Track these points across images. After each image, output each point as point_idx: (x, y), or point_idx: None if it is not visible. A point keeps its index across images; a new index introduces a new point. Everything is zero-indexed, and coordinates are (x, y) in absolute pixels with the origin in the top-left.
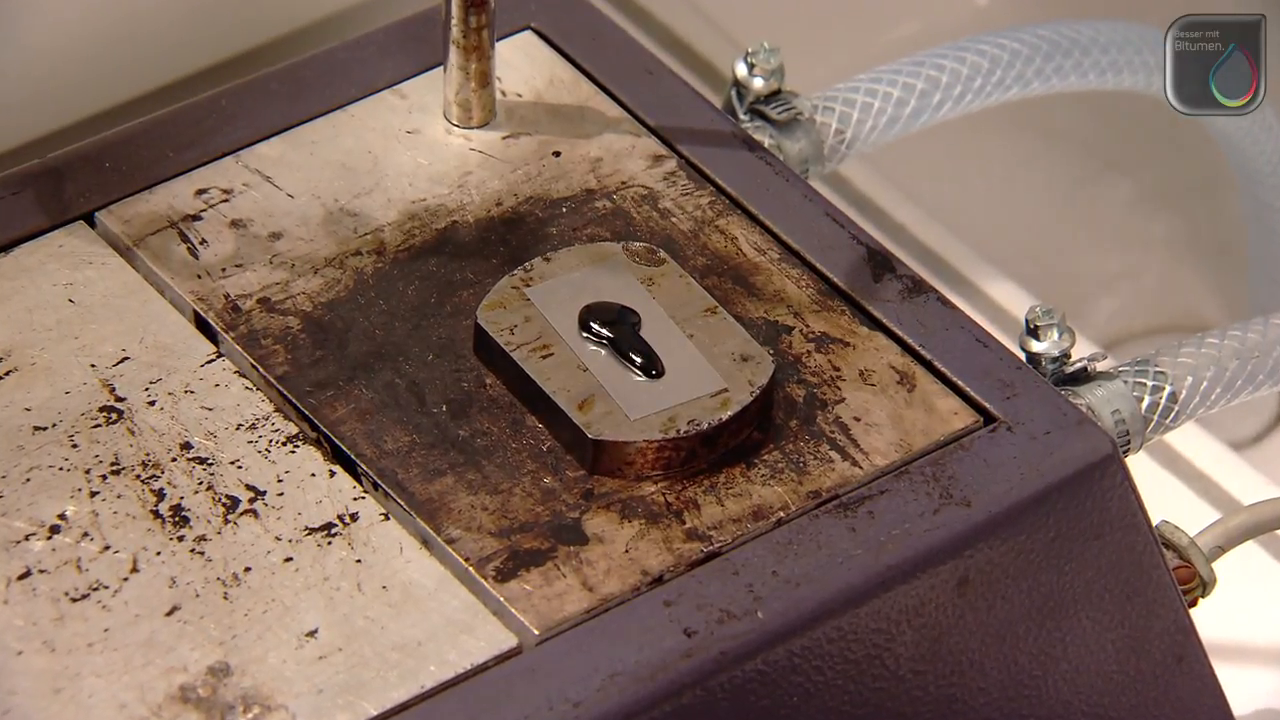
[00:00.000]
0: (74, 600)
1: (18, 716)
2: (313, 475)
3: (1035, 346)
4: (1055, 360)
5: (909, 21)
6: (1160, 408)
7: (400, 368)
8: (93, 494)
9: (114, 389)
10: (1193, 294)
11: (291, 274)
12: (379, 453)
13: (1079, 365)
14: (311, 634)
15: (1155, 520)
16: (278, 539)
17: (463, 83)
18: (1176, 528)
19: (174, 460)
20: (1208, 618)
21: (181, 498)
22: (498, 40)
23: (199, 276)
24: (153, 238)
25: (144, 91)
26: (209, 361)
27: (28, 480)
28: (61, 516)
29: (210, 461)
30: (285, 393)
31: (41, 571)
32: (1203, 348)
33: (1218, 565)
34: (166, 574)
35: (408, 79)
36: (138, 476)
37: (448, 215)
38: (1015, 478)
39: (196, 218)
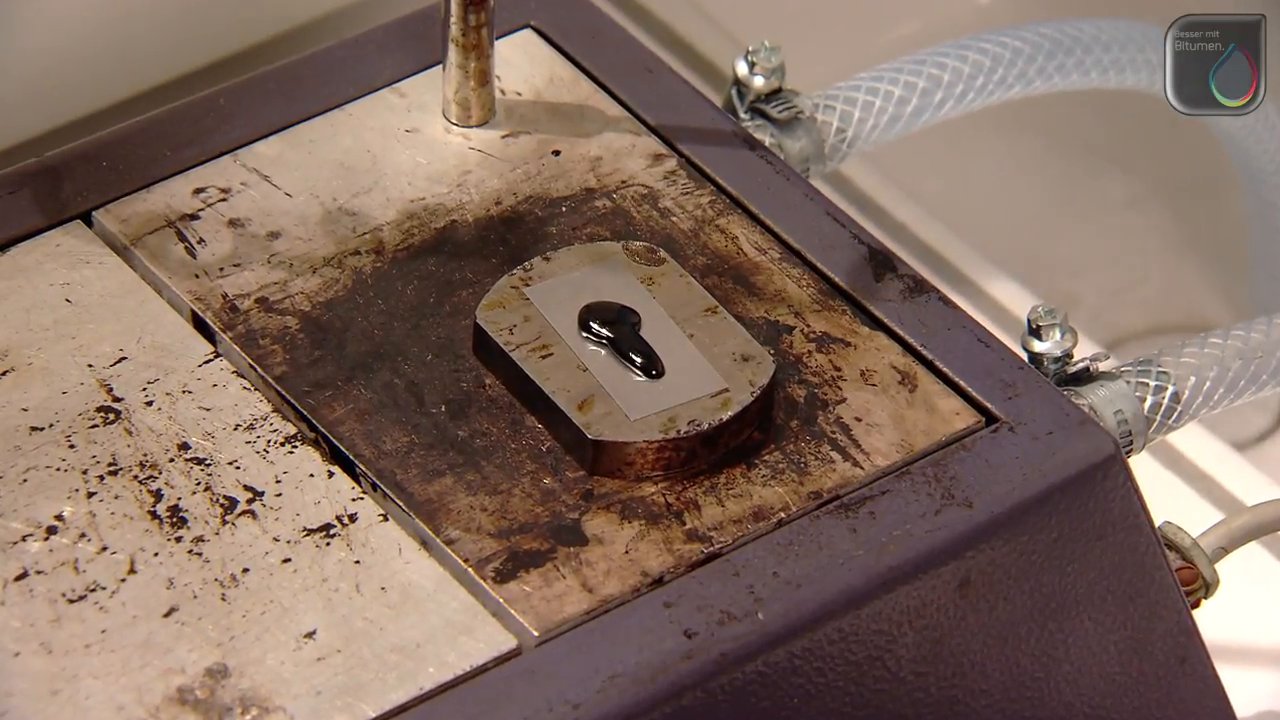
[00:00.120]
0: (71, 601)
1: (15, 718)
2: (311, 476)
3: (1037, 346)
4: (1057, 360)
5: (910, 20)
6: (1163, 408)
7: (399, 368)
8: (90, 495)
9: (111, 389)
10: (1196, 293)
11: (290, 273)
12: (378, 453)
13: (1081, 365)
14: (310, 635)
15: (1158, 521)
16: (276, 540)
17: (462, 81)
18: (1179, 528)
19: (172, 461)
20: (1211, 619)
21: (179, 498)
22: (497, 38)
23: (197, 276)
24: (150, 237)
25: (141, 90)
26: (207, 361)
27: (25, 481)
28: (59, 517)
29: (208, 462)
30: (283, 393)
31: (38, 572)
32: (1206, 347)
33: (1221, 566)
34: (164, 575)
35: (406, 77)
36: (135, 477)
37: (447, 214)
38: (1017, 478)
39: (194, 217)
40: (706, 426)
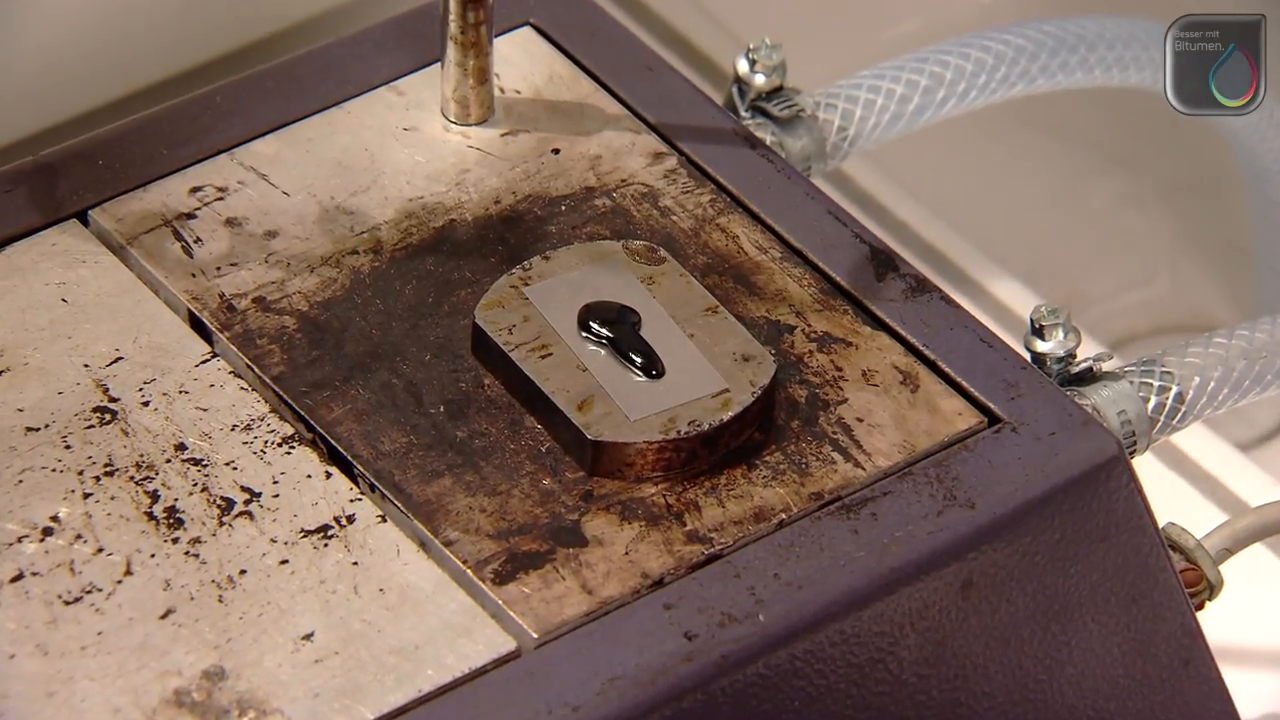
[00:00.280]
0: (67, 603)
1: None
2: (309, 477)
3: (1040, 346)
4: (1060, 360)
5: (912, 17)
6: (1167, 408)
7: (397, 368)
8: (86, 495)
9: (107, 389)
10: (1200, 293)
11: (287, 273)
12: (376, 454)
13: (1084, 365)
14: (307, 637)
15: (1162, 522)
16: (273, 541)
17: (461, 79)
18: (1183, 530)
19: (168, 461)
20: (1215, 621)
21: (176, 499)
22: (496, 36)
23: (193, 275)
24: (147, 236)
25: (138, 88)
26: (204, 361)
27: (20, 482)
28: (54, 518)
29: (205, 463)
30: (281, 393)
31: (34, 574)
32: (1210, 347)
33: (1225, 568)
34: (161, 577)
35: (405, 75)
36: (131, 478)
37: (445, 213)
38: (1020, 479)
39: (191, 216)
40: (707, 427)
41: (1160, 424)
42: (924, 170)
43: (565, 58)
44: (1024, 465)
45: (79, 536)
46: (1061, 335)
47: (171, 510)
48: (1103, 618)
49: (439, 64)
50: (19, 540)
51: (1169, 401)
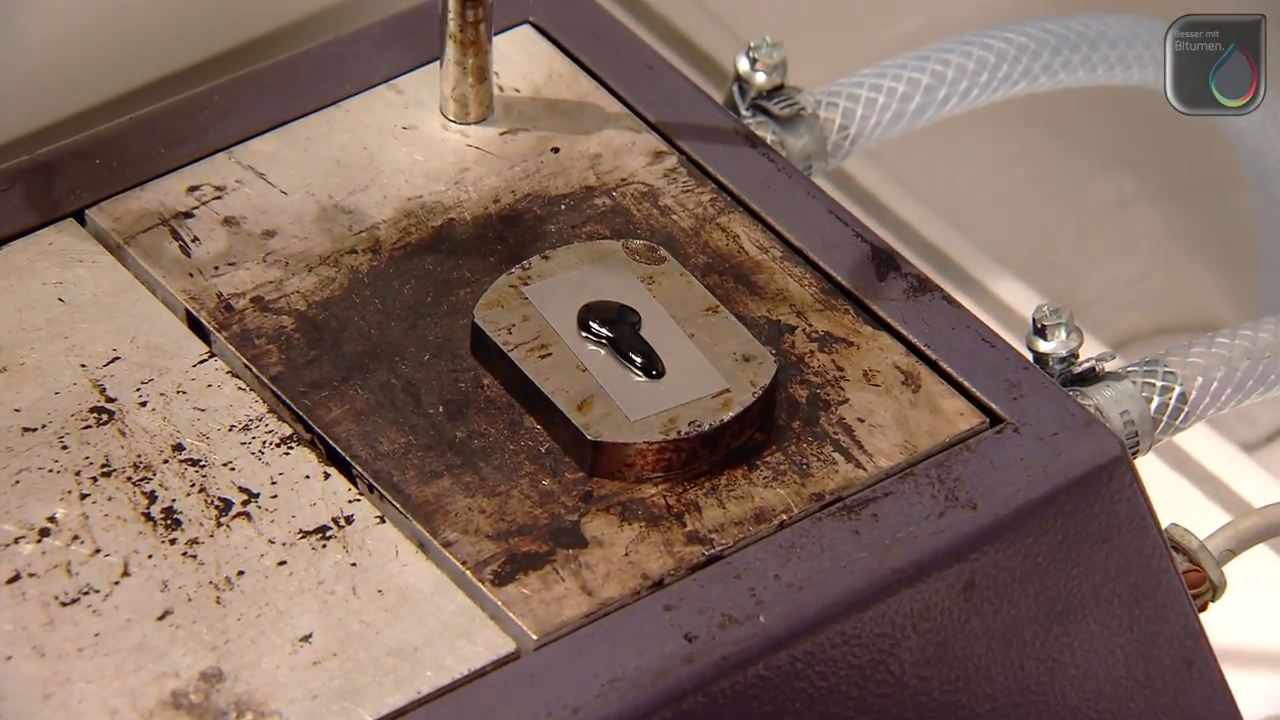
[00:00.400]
0: (64, 604)
1: None
2: (307, 477)
3: (1042, 346)
4: (1063, 360)
5: (913, 16)
6: (1170, 409)
7: (396, 368)
8: (83, 496)
9: (104, 389)
10: (1203, 292)
11: (285, 272)
12: (374, 454)
13: (1087, 365)
14: (306, 639)
15: (1165, 523)
16: (271, 542)
17: (460, 78)
18: (1186, 530)
19: (166, 462)
20: (1218, 622)
21: (173, 500)
22: (495, 34)
23: (191, 275)
24: (144, 235)
25: (135, 86)
26: (201, 361)
27: (17, 482)
28: (51, 519)
29: (202, 463)
30: (279, 393)
31: (31, 575)
32: (1213, 347)
33: (1228, 569)
34: (158, 578)
35: (404, 74)
36: (129, 478)
37: (444, 212)
38: (1022, 480)
39: (188, 215)
40: (707, 427)
41: (1163, 424)
42: (925, 169)
43: (565, 56)
44: (1026, 466)
45: (76, 537)
46: (1064, 335)
47: (169, 511)
48: (1105, 619)
49: (438, 62)
50: (15, 541)
51: (1172, 402)
